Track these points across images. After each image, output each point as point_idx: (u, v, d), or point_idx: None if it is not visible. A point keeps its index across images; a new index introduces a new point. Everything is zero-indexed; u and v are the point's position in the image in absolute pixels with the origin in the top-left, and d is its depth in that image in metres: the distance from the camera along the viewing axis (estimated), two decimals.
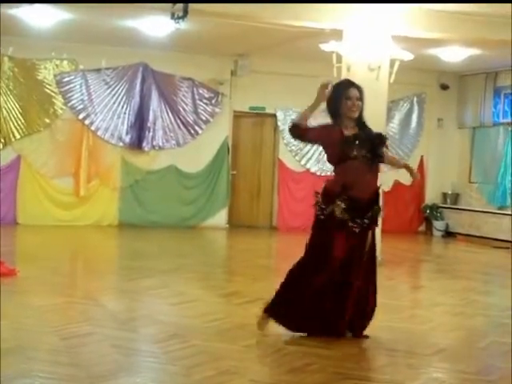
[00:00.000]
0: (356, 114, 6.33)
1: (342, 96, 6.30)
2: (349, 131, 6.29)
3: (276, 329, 6.33)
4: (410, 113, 16.99)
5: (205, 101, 15.52)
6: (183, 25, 10.63)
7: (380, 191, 6.57)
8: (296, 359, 5.67)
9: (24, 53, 14.23)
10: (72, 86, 14.74)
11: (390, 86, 11.26)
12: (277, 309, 6.35)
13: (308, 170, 16.28)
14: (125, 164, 15.13)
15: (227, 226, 15.87)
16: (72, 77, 14.73)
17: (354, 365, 5.59)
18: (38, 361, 5.31)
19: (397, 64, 11.19)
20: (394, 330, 6.95)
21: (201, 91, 15.50)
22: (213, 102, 15.60)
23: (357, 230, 6.23)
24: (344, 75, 11.14)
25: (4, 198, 14.30)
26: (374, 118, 11.19)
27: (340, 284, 6.25)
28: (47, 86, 14.58)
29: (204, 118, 15.54)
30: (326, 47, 11.45)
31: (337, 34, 11.00)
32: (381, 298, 8.61)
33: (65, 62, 14.66)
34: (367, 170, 6.31)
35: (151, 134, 15.19)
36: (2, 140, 14.29)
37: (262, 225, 16.29)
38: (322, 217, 6.28)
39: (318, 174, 16.10)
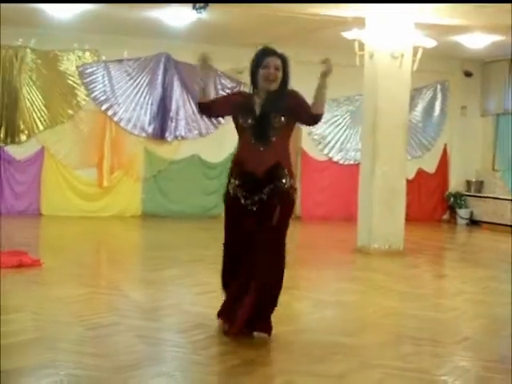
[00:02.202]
0: (272, 86, 5.74)
1: (258, 65, 5.82)
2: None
3: (298, 319, 6.32)
4: (433, 101, 16.89)
5: (227, 90, 15.50)
6: (205, 15, 10.66)
7: (285, 165, 5.69)
8: (320, 348, 5.65)
9: (46, 44, 14.29)
10: (94, 77, 14.79)
11: (413, 74, 11.22)
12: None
13: (331, 158, 16.24)
14: (148, 154, 15.17)
15: None
16: (94, 68, 14.78)
17: (378, 353, 5.57)
18: (63, 351, 5.33)
19: (420, 51, 11.14)
20: (419, 318, 6.94)
21: (223, 81, 15.50)
22: (235, 91, 15.56)
23: (254, 208, 5.66)
24: (367, 63, 11.14)
25: (28, 189, 14.42)
26: (397, 106, 11.24)
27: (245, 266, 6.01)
28: (70, 78, 14.64)
29: None
30: (348, 35, 11.41)
31: (359, 22, 10.96)
32: (405, 286, 8.65)
33: (87, 53, 14.71)
34: (259, 142, 5.62)
35: (174, 124, 15.21)
36: (26, 132, 14.37)
37: None
38: (225, 196, 5.87)
39: (341, 162, 16.10)
